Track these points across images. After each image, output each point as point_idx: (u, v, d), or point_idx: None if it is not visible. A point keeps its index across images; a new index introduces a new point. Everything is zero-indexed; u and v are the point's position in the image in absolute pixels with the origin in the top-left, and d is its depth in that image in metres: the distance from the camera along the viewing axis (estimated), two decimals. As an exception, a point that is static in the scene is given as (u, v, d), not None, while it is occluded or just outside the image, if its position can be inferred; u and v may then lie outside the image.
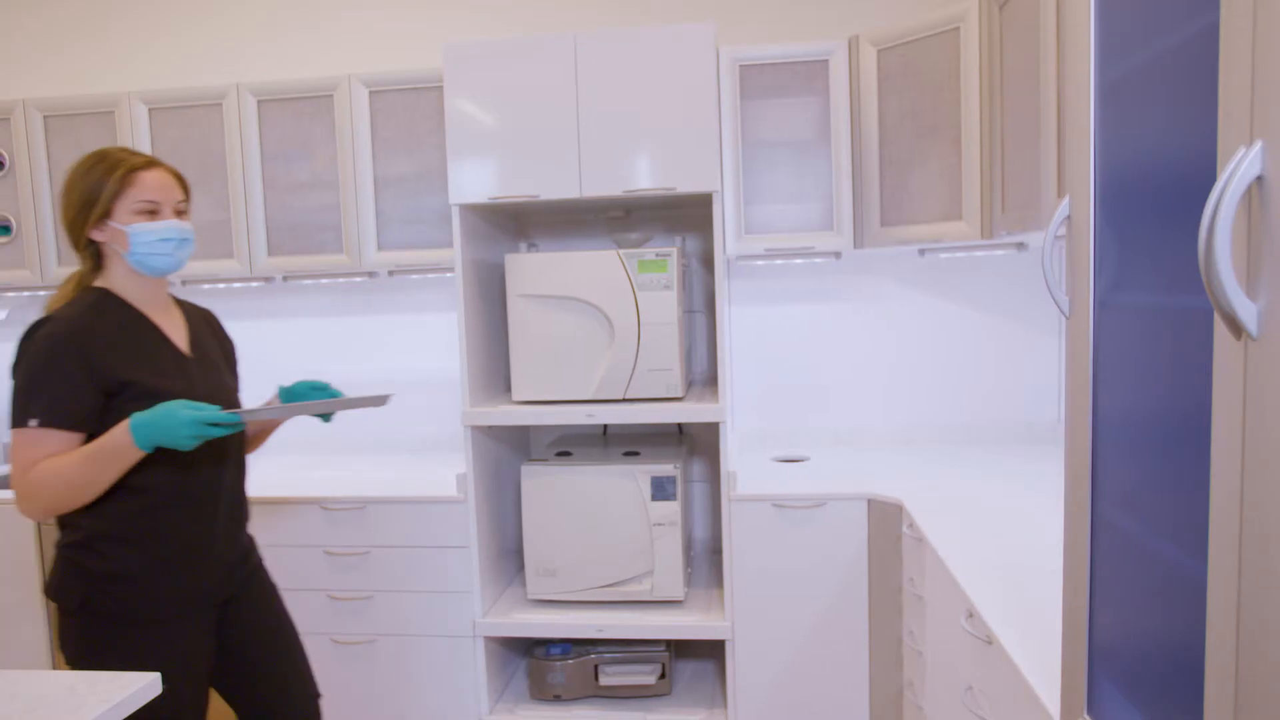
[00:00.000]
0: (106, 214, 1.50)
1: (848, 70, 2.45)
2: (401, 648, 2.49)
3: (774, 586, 2.34)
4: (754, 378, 2.89)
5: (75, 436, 1.44)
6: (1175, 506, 0.79)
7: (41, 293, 3.16)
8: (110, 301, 1.54)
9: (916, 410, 2.83)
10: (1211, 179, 0.65)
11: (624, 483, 2.39)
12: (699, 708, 2.48)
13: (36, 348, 1.44)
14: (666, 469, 2.38)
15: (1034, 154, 1.94)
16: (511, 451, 2.78)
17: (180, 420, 1.38)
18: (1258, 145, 0.61)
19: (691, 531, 2.84)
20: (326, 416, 1.62)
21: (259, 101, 2.70)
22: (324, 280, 2.96)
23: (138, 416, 1.40)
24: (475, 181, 2.35)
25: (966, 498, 2.15)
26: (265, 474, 2.78)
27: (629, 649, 2.49)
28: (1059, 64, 1.82)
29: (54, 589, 1.51)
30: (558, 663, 2.48)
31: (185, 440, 1.39)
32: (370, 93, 2.64)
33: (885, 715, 2.32)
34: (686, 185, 2.29)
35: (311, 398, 1.67)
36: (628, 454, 2.52)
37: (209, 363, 1.65)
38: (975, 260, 2.74)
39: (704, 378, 2.86)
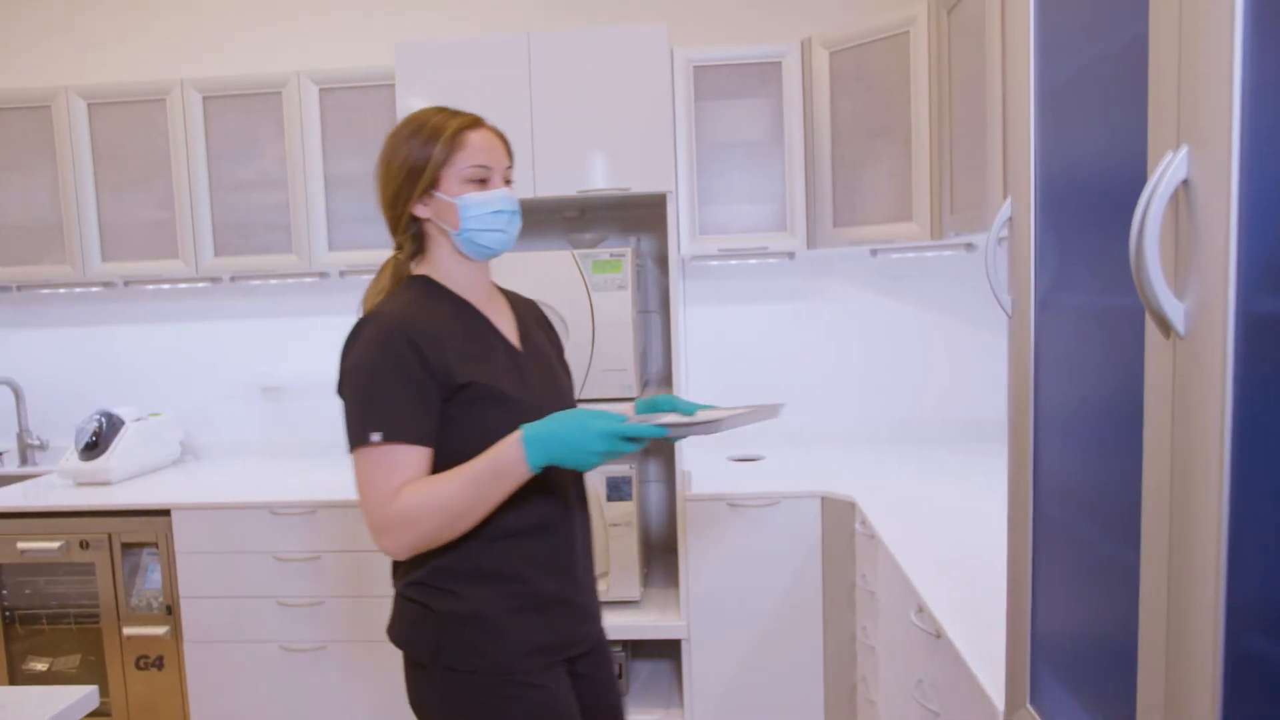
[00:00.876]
0: (434, 184, 1.27)
1: (801, 72, 2.48)
2: (354, 654, 2.45)
3: (729, 585, 2.35)
4: (709, 378, 2.90)
5: (425, 451, 1.21)
6: (1112, 500, 0.81)
7: (-25, 293, 3.05)
8: (436, 291, 1.32)
9: (869, 409, 2.87)
10: (1143, 182, 0.67)
11: (580, 484, 2.38)
12: (655, 707, 2.48)
13: (366, 351, 1.22)
14: (622, 469, 2.38)
15: (981, 157, 1.98)
16: (466, 453, 2.76)
17: (590, 433, 1.12)
18: (1183, 150, 0.63)
19: (648, 531, 2.84)
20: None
21: (204, 98, 2.63)
22: (273, 281, 2.91)
23: (532, 429, 1.16)
24: (428, 181, 2.33)
25: (918, 495, 2.18)
26: (209, 479, 2.72)
27: (586, 650, 2.49)
28: (1003, 68, 1.85)
29: (402, 637, 1.29)
30: (514, 665, 2.46)
31: (591, 456, 1.13)
32: (320, 90, 2.60)
33: (839, 711, 2.35)
34: (641, 185, 2.29)
35: (680, 408, 1.40)
36: (584, 455, 2.51)
37: (542, 359, 1.40)
38: (925, 261, 2.79)
39: (659, 378, 2.87)
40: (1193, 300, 0.64)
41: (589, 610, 1.37)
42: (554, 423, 1.15)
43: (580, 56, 2.28)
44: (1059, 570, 0.96)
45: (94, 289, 2.88)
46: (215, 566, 2.45)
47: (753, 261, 2.83)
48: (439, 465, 1.23)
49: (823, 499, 2.31)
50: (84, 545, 2.47)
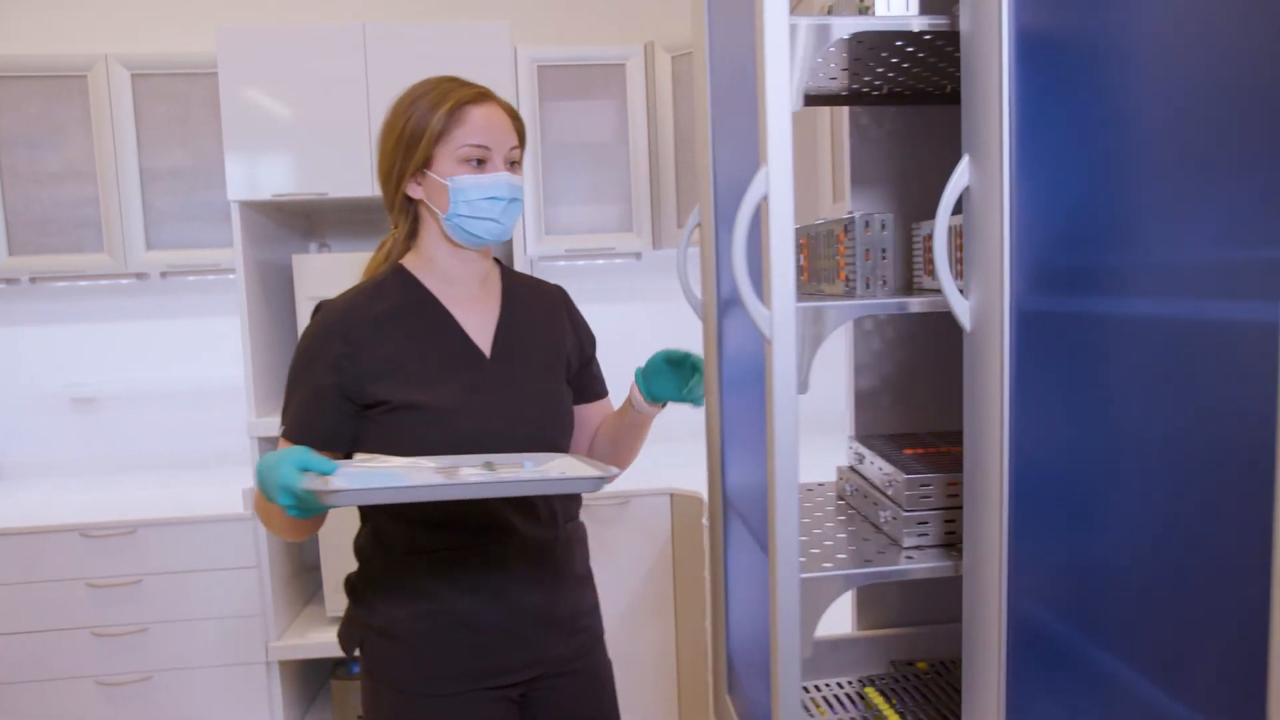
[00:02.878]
0: (427, 162, 1.17)
1: (644, 75, 2.51)
2: (182, 682, 2.28)
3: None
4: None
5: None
6: (758, 495, 0.86)
7: None
8: (398, 284, 1.22)
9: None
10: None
11: (427, 490, 2.32)
12: (511, 713, 2.45)
13: (300, 343, 1.19)
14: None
15: (812, 162, 2.07)
16: (307, 463, 2.63)
17: (278, 479, 1.00)
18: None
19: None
20: (697, 400, 1.22)
21: (-7, 79, 2.38)
22: (83, 282, 2.66)
23: (265, 457, 1.06)
24: (257, 177, 2.20)
25: (761, 487, 2.26)
26: (6, 501, 2.46)
27: (437, 660, 2.42)
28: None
29: (339, 632, 1.27)
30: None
31: (280, 499, 1.01)
32: (133, 75, 2.40)
33: (691, 705, 2.40)
34: (485, 184, 2.25)
35: (670, 374, 1.23)
36: (432, 460, 2.45)
37: (520, 365, 1.23)
38: (767, 261, 2.89)
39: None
40: (976, 299, 0.69)
41: (531, 639, 1.21)
42: (268, 458, 1.04)
43: (419, 51, 2.22)
44: (738, 571, 1.01)
45: None
46: (14, 599, 2.22)
47: (600, 262, 2.84)
48: None
49: (671, 495, 2.35)
50: None
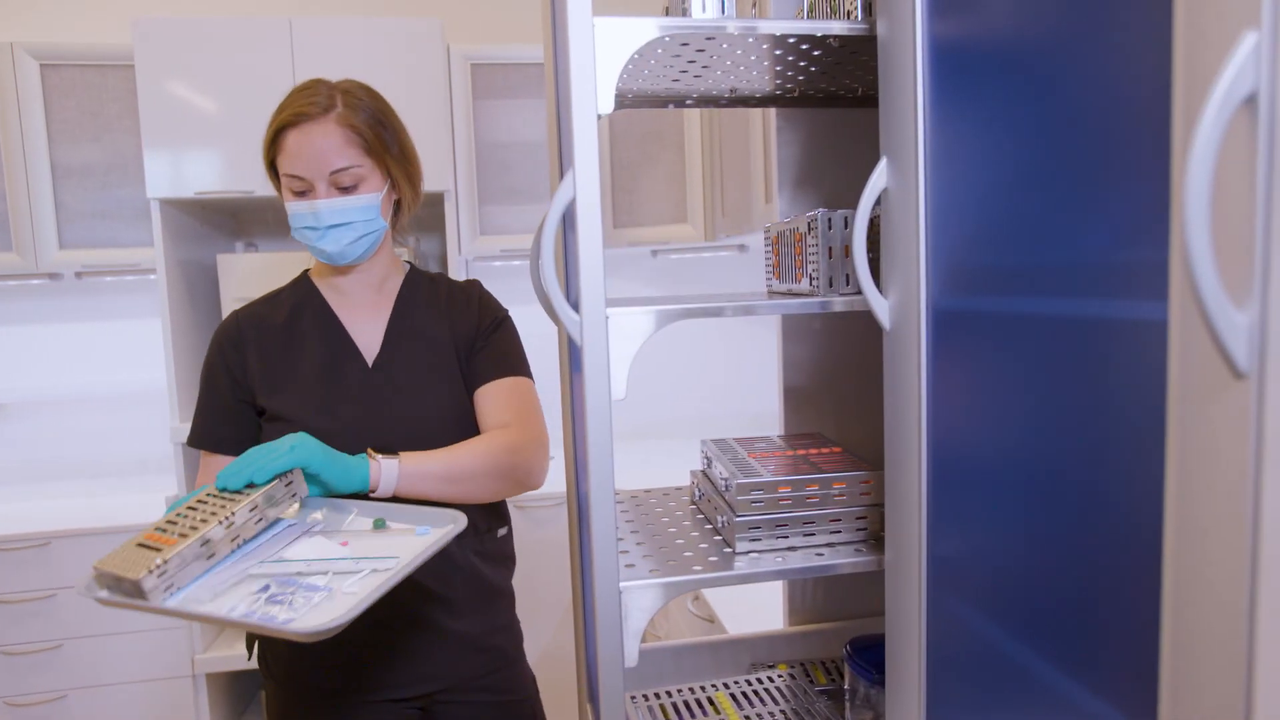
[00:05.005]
0: (277, 185, 1.17)
1: (579, 75, 2.50)
2: (101, 701, 2.19)
3: (519, 588, 2.33)
4: (498, 379, 2.86)
5: (227, 459, 1.12)
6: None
7: None
8: (296, 292, 1.23)
9: (651, 405, 2.96)
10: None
11: (360, 494, 2.27)
12: (448, 719, 2.42)
13: (208, 349, 1.22)
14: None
15: (745, 164, 2.09)
16: (233, 469, 2.55)
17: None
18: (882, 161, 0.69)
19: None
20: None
21: (-112, 69, 2.25)
22: (-10, 283, 2.53)
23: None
24: (178, 174, 2.13)
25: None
26: (-87, 514, 2.33)
27: (372, 668, 2.38)
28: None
29: (247, 642, 1.24)
30: (292, 693, 2.31)
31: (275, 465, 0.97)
32: (42, 66, 2.30)
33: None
34: (418, 183, 2.22)
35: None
36: (364, 464, 2.40)
37: (400, 371, 1.17)
38: (703, 261, 2.92)
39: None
40: (895, 298, 0.70)
41: (425, 654, 1.16)
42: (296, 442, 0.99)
43: (350, 47, 2.17)
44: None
45: None
46: (-83, 617, 2.10)
47: (538, 262, 2.82)
48: None
49: (610, 495, 2.34)
50: None
